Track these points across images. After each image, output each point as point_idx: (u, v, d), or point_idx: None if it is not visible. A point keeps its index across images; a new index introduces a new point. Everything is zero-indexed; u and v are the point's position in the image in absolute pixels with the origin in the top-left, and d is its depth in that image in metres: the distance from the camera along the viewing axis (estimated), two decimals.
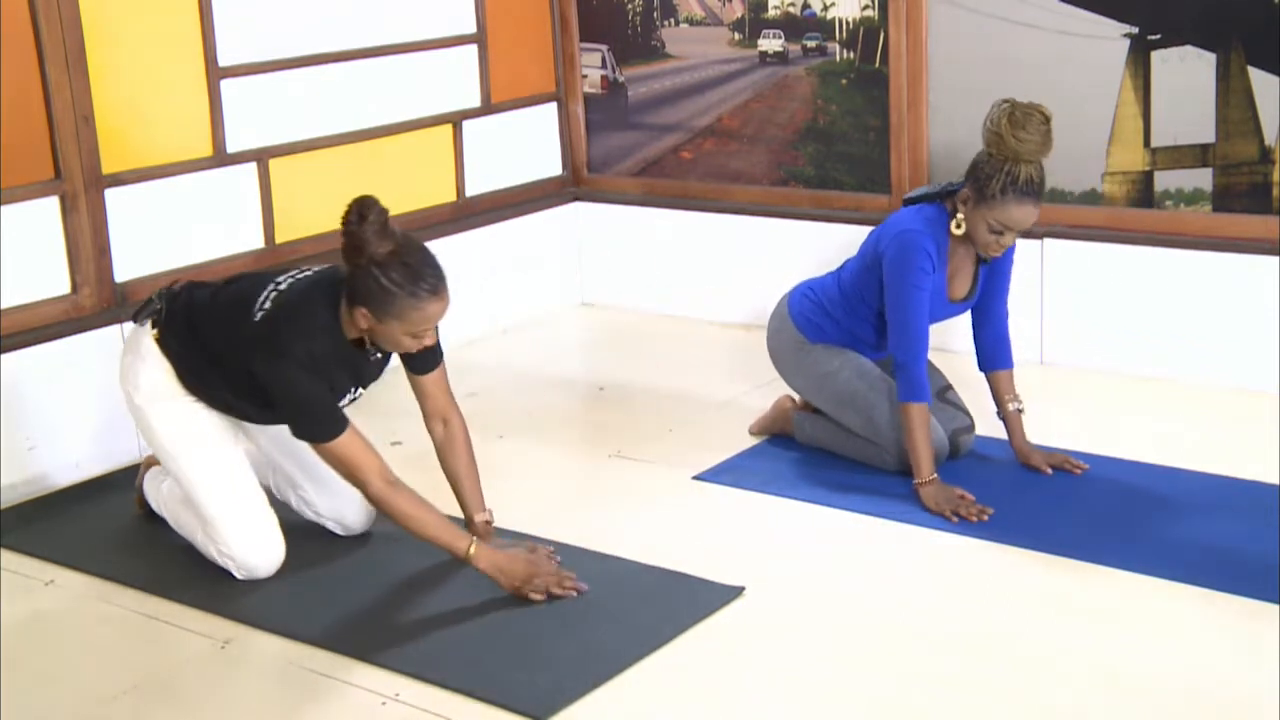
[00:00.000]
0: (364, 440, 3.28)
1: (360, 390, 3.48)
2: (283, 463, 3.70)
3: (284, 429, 3.45)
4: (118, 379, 3.59)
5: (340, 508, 3.67)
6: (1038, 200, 3.65)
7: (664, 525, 3.73)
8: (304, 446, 3.57)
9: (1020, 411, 3.94)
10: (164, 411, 3.50)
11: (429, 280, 3.14)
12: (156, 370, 3.48)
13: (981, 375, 4.00)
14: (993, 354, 3.96)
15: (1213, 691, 2.84)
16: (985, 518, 3.62)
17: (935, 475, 3.72)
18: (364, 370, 3.43)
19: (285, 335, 3.25)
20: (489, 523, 3.50)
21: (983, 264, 3.86)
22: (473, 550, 3.26)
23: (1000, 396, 3.95)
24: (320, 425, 3.26)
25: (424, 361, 3.46)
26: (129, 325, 3.72)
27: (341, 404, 3.35)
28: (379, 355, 3.42)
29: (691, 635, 3.14)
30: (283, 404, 3.29)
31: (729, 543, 3.61)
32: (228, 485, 3.51)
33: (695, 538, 3.64)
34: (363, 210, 3.10)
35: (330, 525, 3.70)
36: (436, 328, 3.31)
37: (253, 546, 3.48)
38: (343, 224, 3.14)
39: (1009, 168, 3.60)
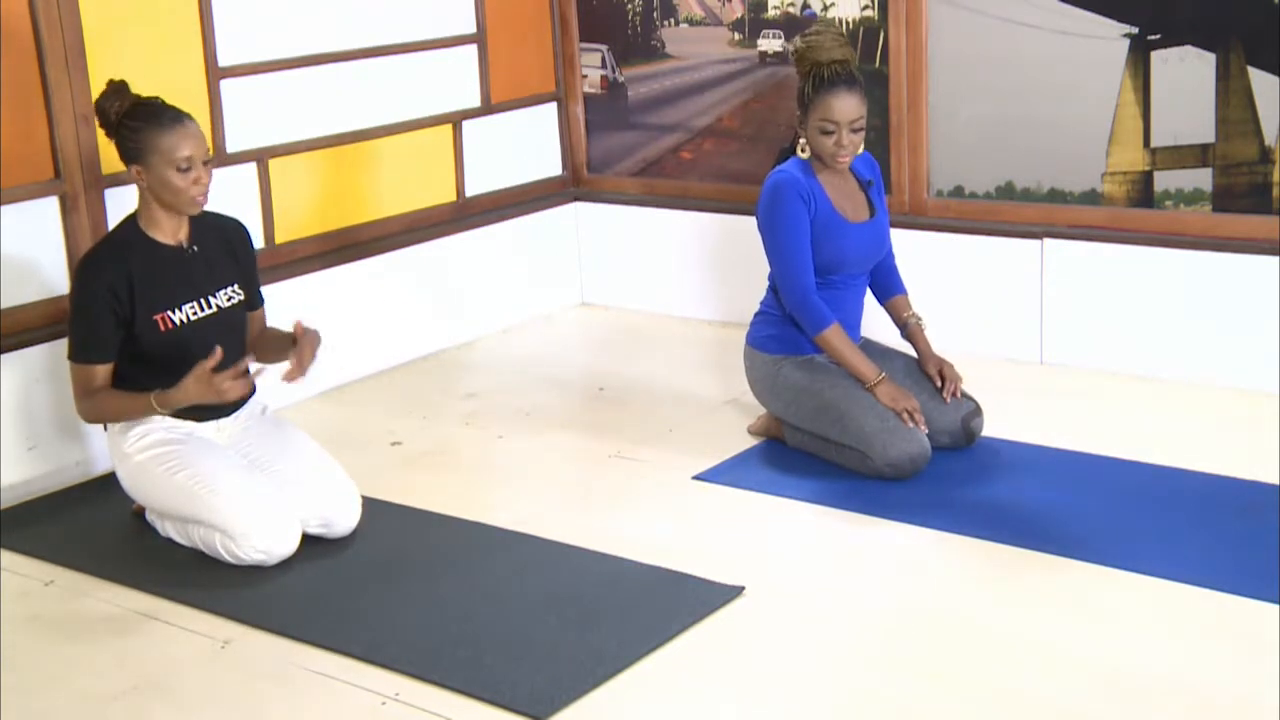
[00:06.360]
0: (100, 380, 3.58)
1: (211, 303, 3.68)
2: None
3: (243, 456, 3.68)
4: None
5: (323, 512, 3.64)
6: (850, 87, 3.88)
7: (664, 525, 3.73)
8: (275, 459, 3.67)
9: (920, 323, 4.15)
10: (143, 448, 3.62)
11: (169, 113, 3.58)
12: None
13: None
14: (885, 284, 4.19)
15: (1213, 691, 2.84)
16: (923, 427, 3.85)
17: (884, 374, 3.92)
18: (194, 273, 3.67)
19: (90, 249, 3.67)
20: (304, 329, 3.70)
21: (869, 186, 4.07)
22: (154, 398, 3.55)
23: (900, 316, 4.18)
24: (75, 340, 3.59)
25: (247, 301, 3.85)
26: None
27: (195, 317, 3.62)
28: (194, 249, 3.68)
29: (691, 635, 3.14)
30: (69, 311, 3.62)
31: (729, 543, 3.61)
32: (225, 477, 3.53)
33: (695, 538, 3.64)
34: (104, 89, 3.61)
35: (316, 530, 3.65)
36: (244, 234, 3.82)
37: (263, 525, 3.48)
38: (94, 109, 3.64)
39: (813, 71, 3.89)
